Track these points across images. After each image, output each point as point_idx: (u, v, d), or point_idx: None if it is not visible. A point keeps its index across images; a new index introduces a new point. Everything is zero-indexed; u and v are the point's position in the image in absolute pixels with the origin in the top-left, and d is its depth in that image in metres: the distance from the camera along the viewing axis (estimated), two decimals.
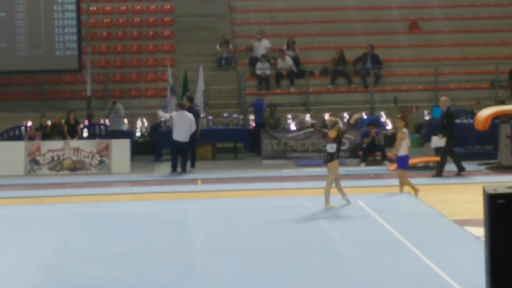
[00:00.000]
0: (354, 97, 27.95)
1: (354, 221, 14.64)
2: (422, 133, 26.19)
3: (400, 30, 30.98)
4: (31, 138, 23.91)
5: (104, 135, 25.19)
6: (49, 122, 25.52)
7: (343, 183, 16.28)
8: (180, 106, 22.37)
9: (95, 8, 30.96)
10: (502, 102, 25.73)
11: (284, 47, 29.02)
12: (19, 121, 25.83)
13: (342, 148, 20.67)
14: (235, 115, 25.95)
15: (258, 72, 28.26)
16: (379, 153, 23.26)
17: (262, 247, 12.63)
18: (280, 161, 23.76)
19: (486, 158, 22.72)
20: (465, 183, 19.17)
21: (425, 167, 21.54)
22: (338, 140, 15.81)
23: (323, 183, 16.13)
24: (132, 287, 10.60)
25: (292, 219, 14.80)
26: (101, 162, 22.53)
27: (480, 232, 11.36)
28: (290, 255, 12.02)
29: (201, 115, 24.33)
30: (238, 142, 25.28)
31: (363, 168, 22.28)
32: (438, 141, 20.35)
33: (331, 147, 15.73)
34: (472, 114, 24.06)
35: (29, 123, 25.56)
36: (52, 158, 22.47)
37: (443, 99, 20.91)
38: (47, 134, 24.75)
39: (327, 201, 15.71)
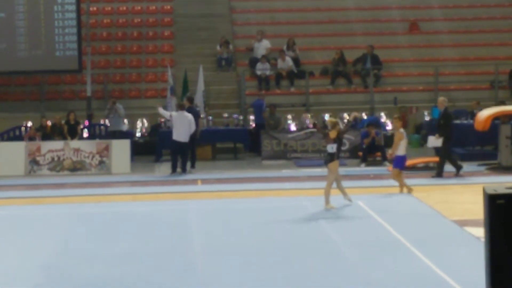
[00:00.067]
0: (354, 98, 27.96)
1: (354, 222, 14.65)
2: (422, 133, 26.20)
3: (400, 30, 30.98)
4: (31, 139, 23.92)
5: (104, 135, 25.20)
6: (49, 123, 25.52)
7: (343, 183, 16.28)
8: (180, 107, 22.38)
9: (95, 8, 30.98)
10: (502, 103, 25.72)
11: (284, 47, 29.04)
12: (19, 121, 25.85)
13: (342, 148, 20.67)
14: (235, 116, 25.96)
15: (258, 72, 28.27)
16: (379, 154, 23.26)
17: (262, 247, 12.64)
18: (280, 161, 23.77)
19: (486, 159, 22.73)
20: (465, 183, 19.18)
21: (425, 168, 21.55)
22: (338, 140, 15.82)
23: (323, 184, 16.13)
24: (132, 287, 10.61)
25: (292, 220, 14.80)
26: (101, 162, 22.53)
27: (480, 232, 11.36)
28: (290, 255, 12.03)
29: (201, 116, 24.34)
30: (238, 142, 25.29)
31: (363, 169, 22.28)
32: (435, 141, 20.36)
33: (331, 148, 15.74)
34: (472, 115, 24.06)
35: (29, 124, 25.58)
36: (52, 159, 22.48)
37: (441, 100, 20.92)
38: (47, 134, 24.75)
39: (327, 201, 15.71)
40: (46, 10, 27.04)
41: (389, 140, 23.65)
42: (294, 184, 19.78)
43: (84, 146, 22.71)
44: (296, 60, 28.80)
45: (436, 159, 20.82)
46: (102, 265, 11.65)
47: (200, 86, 26.24)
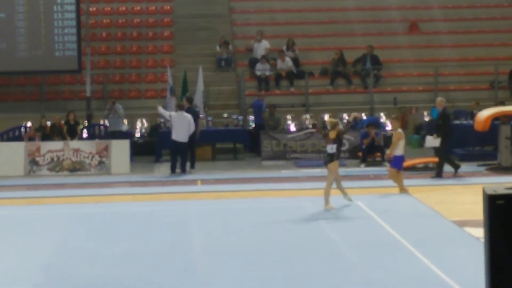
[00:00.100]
0: (354, 98, 27.96)
1: (354, 222, 14.65)
2: (421, 134, 26.20)
3: (399, 31, 30.99)
4: (31, 139, 23.92)
5: (103, 135, 25.20)
6: (48, 123, 25.52)
7: (343, 184, 16.28)
8: (179, 107, 22.38)
9: (94, 8, 30.97)
10: (502, 103, 25.74)
11: (284, 48, 29.04)
12: (18, 121, 25.86)
13: (342, 149, 20.67)
14: (234, 116, 25.96)
15: (258, 73, 28.27)
16: (378, 154, 23.27)
17: (262, 247, 12.64)
18: (279, 162, 23.77)
19: (486, 159, 22.74)
20: (465, 184, 19.18)
21: (425, 168, 21.55)
22: (338, 141, 15.82)
23: (322, 184, 16.14)
24: (132, 287, 10.61)
25: (292, 220, 14.80)
26: (100, 162, 22.53)
27: (479, 233, 11.37)
28: (290, 256, 12.03)
29: (201, 116, 24.34)
30: (237, 143, 25.30)
31: (362, 169, 22.29)
32: (432, 141, 20.37)
33: (331, 148, 15.74)
34: (472, 115, 24.08)
35: (29, 124, 25.59)
36: (52, 159, 22.48)
37: (439, 100, 20.92)
38: (47, 134, 24.75)
39: (326, 202, 15.71)
40: (46, 10, 27.04)
41: (389, 140, 23.57)
42: (293, 184, 19.78)
43: (83, 147, 22.71)
44: (295, 61, 28.81)
45: (436, 159, 20.83)
46: (102, 265, 11.65)
47: (200, 87, 26.24)
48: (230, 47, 29.43)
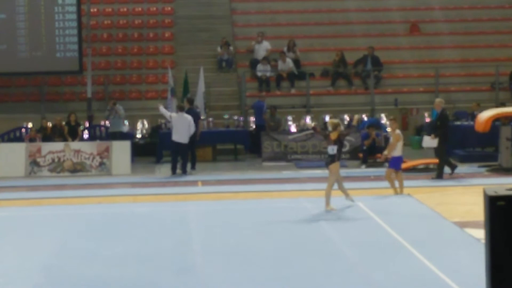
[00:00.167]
0: (355, 99, 27.97)
1: (355, 223, 14.65)
2: (422, 135, 26.18)
3: (400, 32, 31.00)
4: (32, 140, 23.92)
5: (104, 136, 25.20)
6: (49, 124, 25.53)
7: (344, 185, 16.28)
8: (180, 108, 22.38)
9: (95, 10, 30.97)
10: (503, 104, 25.74)
11: (285, 49, 29.04)
12: (19, 122, 25.87)
13: (343, 150, 20.67)
14: (235, 117, 25.95)
15: (259, 74, 28.28)
16: (379, 155, 23.23)
17: (262, 248, 12.64)
18: (280, 162, 23.77)
19: (487, 160, 22.73)
20: (465, 185, 19.17)
21: (425, 169, 21.55)
22: (339, 142, 15.81)
23: (323, 185, 16.13)
24: (132, 287, 10.61)
25: (292, 221, 14.80)
26: (101, 163, 22.53)
27: (480, 234, 11.38)
28: (290, 256, 12.03)
29: (202, 117, 24.34)
30: (238, 143, 25.30)
31: (363, 170, 22.30)
32: (430, 141, 20.35)
33: (332, 149, 15.73)
34: (473, 116, 24.07)
35: (30, 125, 25.59)
36: (53, 160, 22.48)
37: (438, 101, 20.89)
38: (48, 135, 24.75)
39: (327, 202, 15.71)
40: (47, 11, 27.06)
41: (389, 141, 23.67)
42: (294, 185, 19.77)
43: (84, 148, 22.71)
44: (296, 62, 28.81)
45: (436, 160, 20.83)
46: (102, 265, 11.65)
47: (201, 88, 26.24)
48: (231, 48, 29.44)
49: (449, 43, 30.48)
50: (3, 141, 24.56)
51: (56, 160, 22.48)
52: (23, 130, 25.26)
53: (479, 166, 22.16)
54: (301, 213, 15.50)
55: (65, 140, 23.97)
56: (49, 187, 20.61)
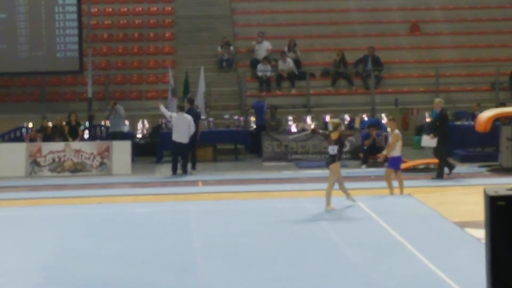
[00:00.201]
0: (355, 99, 27.96)
1: (355, 223, 14.65)
2: (422, 134, 26.16)
3: (401, 32, 30.99)
4: (32, 140, 23.91)
5: (105, 136, 25.20)
6: (50, 124, 25.52)
7: (345, 185, 16.28)
8: (180, 108, 22.38)
9: (96, 9, 30.97)
10: (503, 104, 25.73)
11: (285, 49, 29.04)
12: (20, 122, 25.85)
13: (343, 150, 20.67)
14: (236, 117, 25.95)
15: (259, 73, 28.28)
16: (379, 155, 23.24)
17: (262, 248, 12.64)
18: (281, 162, 23.77)
19: (487, 160, 22.72)
20: (466, 185, 19.17)
21: (426, 169, 21.54)
22: (340, 142, 15.81)
23: (324, 185, 16.13)
24: (132, 287, 10.61)
25: (293, 221, 14.80)
26: (102, 163, 22.53)
27: (481, 234, 11.38)
28: (290, 256, 12.03)
29: (202, 117, 24.33)
30: (239, 143, 25.29)
31: (364, 170, 22.29)
32: (429, 141, 20.35)
33: (332, 149, 15.73)
34: (473, 116, 24.07)
35: (30, 125, 25.57)
36: (53, 160, 22.48)
37: (437, 101, 20.89)
38: (48, 135, 24.74)
39: (328, 202, 15.71)
40: (47, 11, 27.05)
41: None
42: (295, 185, 19.78)
43: (85, 147, 22.71)
44: (297, 62, 28.81)
45: (436, 160, 20.82)
46: (102, 265, 11.65)
47: (201, 88, 26.24)
48: (232, 48, 29.43)
49: (449, 43, 30.48)
50: (3, 141, 24.55)
51: (56, 160, 22.48)
52: (24, 130, 25.25)
53: (480, 166, 22.16)
54: (301, 213, 15.50)
55: (65, 140, 23.96)
56: (49, 187, 20.61)
